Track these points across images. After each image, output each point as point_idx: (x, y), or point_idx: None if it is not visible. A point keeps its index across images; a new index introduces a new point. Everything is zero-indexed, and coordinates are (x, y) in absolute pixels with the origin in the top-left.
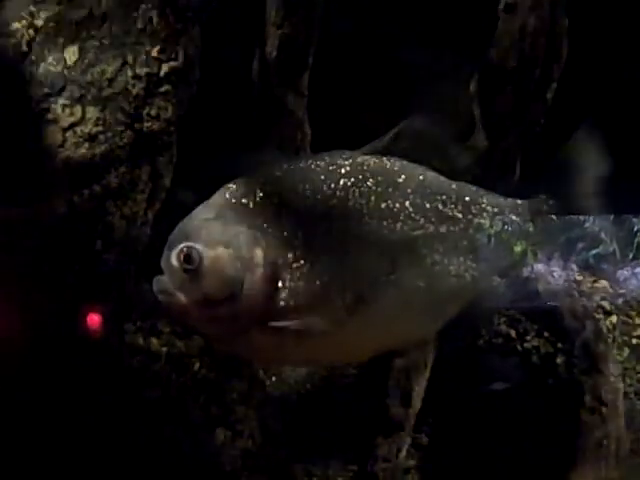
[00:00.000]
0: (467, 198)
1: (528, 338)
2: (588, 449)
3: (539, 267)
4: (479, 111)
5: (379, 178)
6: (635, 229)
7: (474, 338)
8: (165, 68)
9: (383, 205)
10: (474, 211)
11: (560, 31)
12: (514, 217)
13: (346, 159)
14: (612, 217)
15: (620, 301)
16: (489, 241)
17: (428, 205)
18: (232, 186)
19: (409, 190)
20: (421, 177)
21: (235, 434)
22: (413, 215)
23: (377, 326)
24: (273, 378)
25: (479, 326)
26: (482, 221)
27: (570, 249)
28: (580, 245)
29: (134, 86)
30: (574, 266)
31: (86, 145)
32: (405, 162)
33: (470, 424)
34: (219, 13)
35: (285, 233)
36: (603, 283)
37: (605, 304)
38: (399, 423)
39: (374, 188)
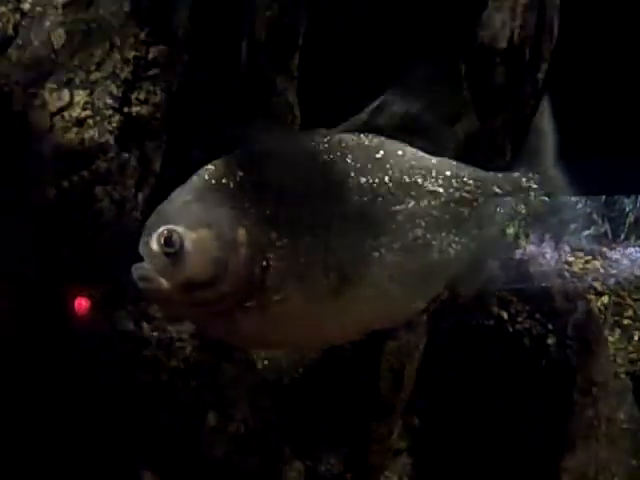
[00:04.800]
0: (448, 172)
1: (520, 320)
2: (579, 429)
3: (530, 246)
4: (469, 92)
5: (358, 154)
6: (627, 210)
7: (466, 320)
8: (153, 51)
9: (363, 181)
10: (455, 185)
11: (551, 11)
12: (497, 190)
13: (324, 136)
14: (604, 198)
15: (612, 282)
16: (473, 215)
17: (408, 180)
18: (211, 167)
19: (388, 165)
20: (400, 152)
21: (227, 418)
22: (393, 190)
23: (362, 304)
24: (265, 361)
25: (470, 307)
26: (464, 195)
27: (562, 230)
28: (572, 226)
29: (122, 70)
30: (567, 246)
31: (74, 130)
32: (383, 138)
33: (462, 406)
34: None
35: (267, 212)
36: (595, 264)
37: (597, 285)
38: (391, 405)
39: (353, 164)
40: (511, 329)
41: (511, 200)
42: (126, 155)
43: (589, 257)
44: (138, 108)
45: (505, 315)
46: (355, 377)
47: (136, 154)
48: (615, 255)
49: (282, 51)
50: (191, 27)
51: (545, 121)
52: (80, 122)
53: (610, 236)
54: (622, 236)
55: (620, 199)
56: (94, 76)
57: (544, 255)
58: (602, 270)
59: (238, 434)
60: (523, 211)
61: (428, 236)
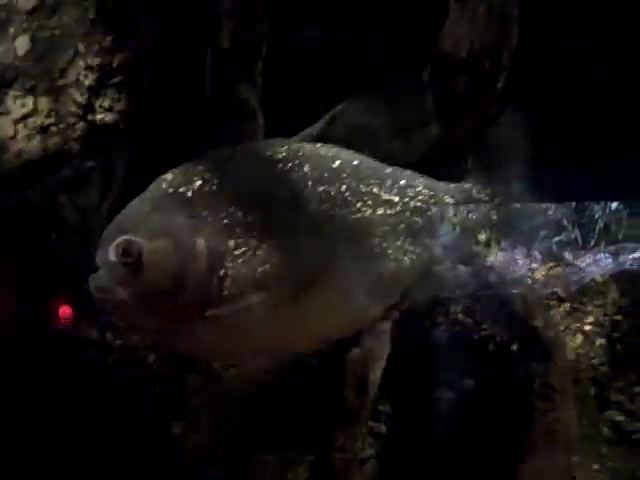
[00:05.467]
0: (402, 182)
1: (484, 326)
2: (539, 435)
3: (491, 253)
4: (432, 99)
5: (314, 164)
6: (596, 216)
7: (432, 327)
8: (118, 59)
9: (319, 190)
10: (410, 194)
11: (510, 21)
12: (450, 200)
13: (282, 146)
14: (574, 204)
15: (574, 289)
16: (426, 224)
17: (364, 189)
18: (168, 176)
19: (344, 175)
20: (356, 162)
21: (191, 427)
22: (349, 199)
23: (320, 312)
24: (230, 370)
25: (434, 313)
26: (418, 204)
27: (522, 237)
28: (534, 233)
29: (86, 77)
30: (529, 254)
31: (38, 137)
32: (340, 148)
33: (428, 412)
34: (173, 2)
35: (225, 221)
36: (557, 271)
37: (559, 291)
38: (355, 413)
39: (310, 173)
40: (476, 336)
41: (465, 209)
42: (90, 163)
43: (552, 264)
44: (102, 116)
45: (470, 322)
46: (320, 385)
47: (100, 162)
48: (585, 261)
49: (246, 59)
50: (156, 34)
51: (500, 132)
52: (44, 129)
53: (580, 242)
54: (592, 242)
55: (590, 205)
56: (58, 83)
57: (504, 263)
58: (565, 277)
59: (203, 443)
60: (476, 220)
61: (383, 245)
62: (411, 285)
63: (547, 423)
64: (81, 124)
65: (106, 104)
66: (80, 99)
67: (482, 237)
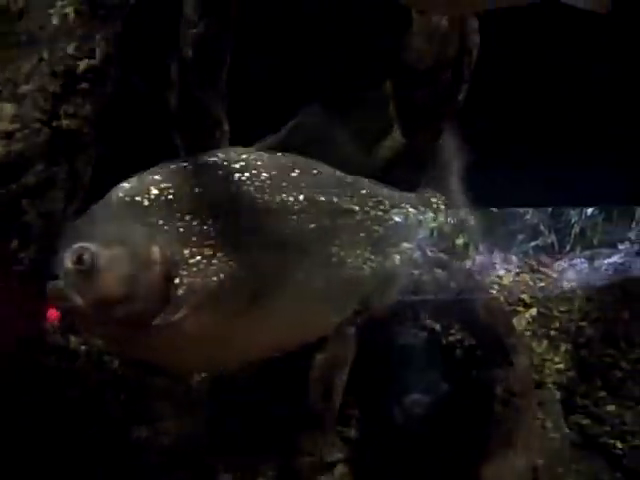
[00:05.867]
0: (363, 191)
1: (452, 331)
2: (499, 439)
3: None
4: (395, 110)
5: (273, 173)
6: (572, 221)
7: (399, 332)
8: (83, 65)
9: (278, 199)
10: (370, 204)
11: (471, 34)
12: (411, 209)
13: (240, 154)
14: (550, 209)
15: (540, 294)
16: (386, 233)
17: (323, 198)
18: (126, 184)
19: (303, 184)
20: (315, 171)
21: (156, 432)
22: (308, 209)
23: (275, 322)
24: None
25: (401, 318)
26: (378, 213)
27: (489, 244)
28: (499, 240)
29: (51, 83)
30: (504, 258)
31: (2, 143)
32: (299, 157)
33: (395, 417)
34: (138, 10)
35: (181, 229)
36: (524, 277)
37: (525, 297)
38: (320, 417)
39: (268, 182)
40: (444, 341)
41: (424, 218)
42: (55, 169)
43: (519, 270)
44: (67, 122)
45: (438, 327)
46: (285, 390)
47: (65, 168)
48: (562, 265)
49: (210, 67)
50: (121, 42)
51: (452, 142)
52: (8, 135)
53: (557, 247)
54: (568, 247)
55: (566, 210)
56: (22, 89)
57: (469, 269)
58: (531, 283)
59: (168, 447)
60: (436, 228)
61: (342, 253)
62: (372, 293)
63: (507, 428)
64: (45, 130)
65: (71, 110)
66: (44, 105)
67: (450, 243)
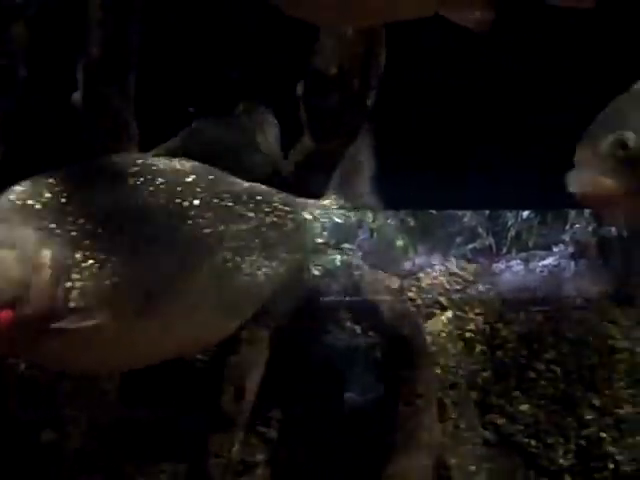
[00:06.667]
0: (259, 197)
1: (371, 333)
2: (403, 439)
3: (362, 264)
4: (305, 115)
5: (168, 178)
6: (509, 224)
7: (320, 333)
8: None
9: (172, 204)
10: (266, 210)
11: (377, 42)
12: (306, 216)
13: (136, 159)
14: (488, 212)
15: (457, 297)
16: (283, 240)
17: (218, 204)
18: (18, 188)
19: (198, 189)
20: (211, 177)
21: (64, 435)
22: (203, 214)
23: (168, 326)
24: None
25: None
26: (274, 220)
27: (393, 251)
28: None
29: None
30: (453, 259)
31: None
32: (195, 162)
33: (318, 418)
34: (45, 11)
35: (73, 233)
36: (441, 280)
37: (442, 299)
38: (232, 419)
39: (163, 187)
40: (363, 342)
41: (322, 223)
42: None
43: (436, 273)
44: None
45: (358, 329)
46: (196, 391)
47: None
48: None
49: (117, 69)
50: (29, 43)
51: (360, 148)
52: None
53: (494, 249)
54: (504, 249)
55: (503, 213)
56: None
57: (375, 273)
58: (448, 286)
59: (76, 450)
60: (334, 232)
61: (237, 259)
62: (270, 299)
63: (411, 428)
64: None
65: None
66: None
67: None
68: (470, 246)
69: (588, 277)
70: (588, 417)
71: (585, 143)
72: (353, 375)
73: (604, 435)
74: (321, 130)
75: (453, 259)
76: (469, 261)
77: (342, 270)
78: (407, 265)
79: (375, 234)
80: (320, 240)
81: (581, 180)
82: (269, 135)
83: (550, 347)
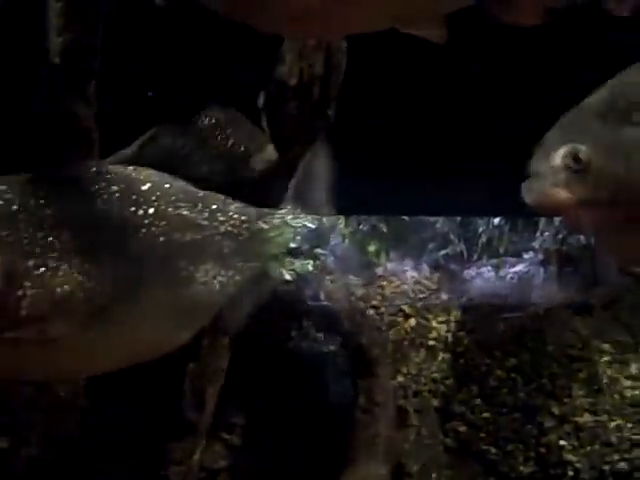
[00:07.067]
0: (214, 206)
1: (331, 342)
2: (361, 447)
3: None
4: (267, 124)
5: (123, 186)
6: (479, 230)
7: (283, 340)
8: None
9: (127, 213)
10: (221, 219)
11: (337, 53)
12: (263, 225)
13: (90, 167)
14: (459, 218)
15: (419, 304)
16: (238, 249)
17: (173, 213)
18: None
19: (154, 197)
20: (167, 185)
21: (21, 441)
22: (157, 222)
23: (122, 335)
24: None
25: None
26: (229, 229)
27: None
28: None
29: None
30: (425, 266)
31: None
32: (151, 171)
33: (275, 424)
34: (3, 17)
35: (26, 241)
36: (404, 288)
37: (405, 308)
38: (193, 426)
39: (117, 195)
40: (326, 349)
41: (277, 233)
42: None
43: (400, 281)
44: None
45: (320, 336)
46: (157, 399)
47: None
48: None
49: (78, 75)
50: None
51: (316, 157)
52: None
53: (465, 256)
54: (475, 256)
55: (474, 220)
56: None
57: (335, 282)
58: (411, 294)
59: (33, 457)
60: (287, 243)
61: (192, 268)
62: (228, 306)
63: (368, 436)
64: None
65: None
66: None
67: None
68: (442, 252)
69: (553, 285)
70: (548, 425)
71: (539, 154)
72: (314, 382)
73: (564, 443)
74: (283, 139)
75: (423, 265)
76: (435, 269)
77: (302, 279)
78: (369, 273)
79: (342, 241)
80: (279, 249)
81: (534, 191)
82: (239, 139)
83: (511, 355)
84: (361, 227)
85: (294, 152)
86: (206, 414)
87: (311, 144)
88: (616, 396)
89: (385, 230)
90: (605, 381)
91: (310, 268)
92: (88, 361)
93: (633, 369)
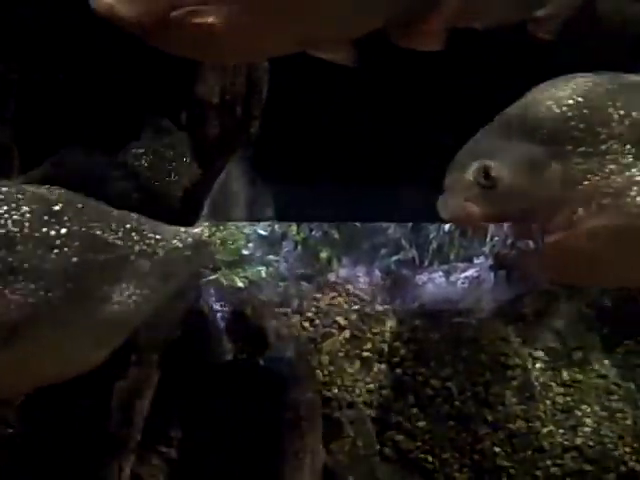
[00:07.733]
0: (128, 225)
1: (258, 356)
2: (287, 462)
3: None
4: (190, 142)
5: (34, 206)
6: (430, 236)
7: (209, 354)
8: None
9: (38, 233)
10: (136, 238)
11: (260, 72)
12: (178, 244)
13: (2, 187)
14: (411, 224)
15: (354, 316)
16: (153, 268)
17: (86, 232)
18: None
19: (66, 218)
20: (80, 205)
21: None
22: (70, 243)
23: (35, 357)
24: None
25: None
26: (144, 248)
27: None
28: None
29: None
30: (377, 272)
31: None
32: (63, 190)
33: (209, 438)
34: None
35: None
36: (339, 300)
37: (340, 319)
38: (122, 442)
39: (28, 216)
40: (256, 363)
41: (193, 252)
42: None
43: (335, 294)
44: None
45: (245, 352)
46: (84, 415)
47: None
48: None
49: None
50: None
51: (231, 175)
52: None
53: (417, 261)
54: (426, 261)
55: (425, 226)
56: None
57: (262, 297)
58: (346, 306)
59: None
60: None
61: (106, 288)
62: (150, 325)
63: (295, 450)
64: None
65: None
66: None
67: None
68: (394, 258)
69: (490, 293)
70: (482, 432)
71: (452, 170)
72: (242, 396)
73: (498, 450)
74: (205, 157)
75: (375, 271)
76: (370, 281)
77: (228, 295)
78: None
79: (294, 248)
80: (199, 267)
81: (447, 205)
82: (168, 154)
83: (446, 365)
84: (313, 233)
85: (216, 170)
86: (134, 429)
87: (230, 160)
88: (548, 402)
89: (337, 237)
90: (538, 388)
91: (263, 275)
92: (3, 381)
93: (565, 376)
